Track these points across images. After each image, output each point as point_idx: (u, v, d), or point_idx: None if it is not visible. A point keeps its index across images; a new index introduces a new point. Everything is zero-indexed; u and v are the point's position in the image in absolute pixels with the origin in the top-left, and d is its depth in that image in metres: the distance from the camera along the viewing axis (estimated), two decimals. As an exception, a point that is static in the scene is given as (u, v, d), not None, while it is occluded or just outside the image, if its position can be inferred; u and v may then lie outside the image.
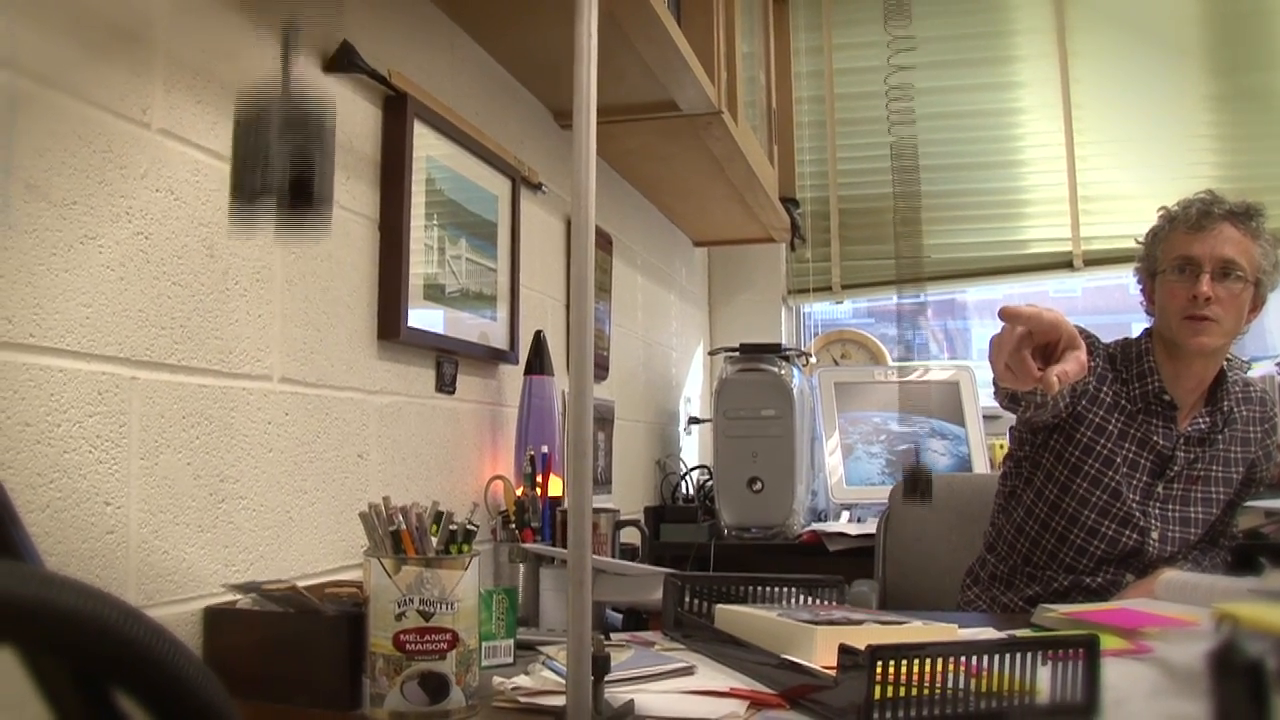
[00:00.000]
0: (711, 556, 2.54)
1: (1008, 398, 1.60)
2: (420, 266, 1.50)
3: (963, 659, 0.89)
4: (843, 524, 2.71)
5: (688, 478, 2.93)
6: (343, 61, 1.35)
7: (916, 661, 0.86)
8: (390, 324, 1.43)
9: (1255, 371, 2.82)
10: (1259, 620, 0.74)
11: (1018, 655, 0.91)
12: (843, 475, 2.95)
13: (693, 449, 3.15)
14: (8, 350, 0.86)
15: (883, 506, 2.36)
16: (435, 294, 1.55)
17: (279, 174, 0.80)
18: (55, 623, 0.48)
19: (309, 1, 1.18)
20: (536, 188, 1.95)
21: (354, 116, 1.39)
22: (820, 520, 2.87)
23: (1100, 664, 0.92)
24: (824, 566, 2.45)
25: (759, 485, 2.58)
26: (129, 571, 0.98)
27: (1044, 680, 0.91)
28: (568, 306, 2.11)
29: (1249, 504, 1.94)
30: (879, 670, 0.85)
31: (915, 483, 1.73)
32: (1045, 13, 3.31)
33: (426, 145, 1.53)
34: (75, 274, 0.93)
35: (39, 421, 0.89)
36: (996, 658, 0.90)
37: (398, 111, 1.46)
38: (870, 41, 3.33)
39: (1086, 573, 1.77)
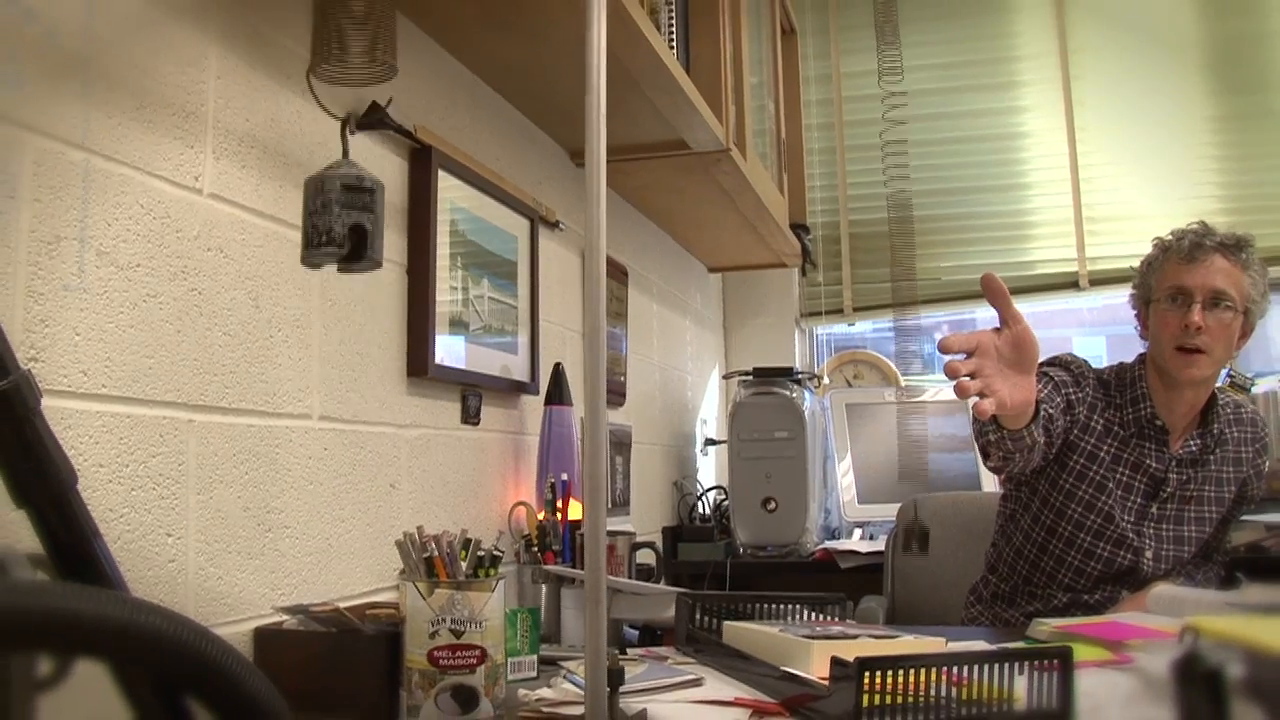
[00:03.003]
0: (727, 574, 2.62)
1: (1002, 458, 1.65)
2: (446, 307, 1.60)
3: (945, 669, 0.98)
4: (855, 541, 2.79)
5: (704, 498, 3.01)
6: (372, 119, 1.45)
7: (901, 672, 0.95)
8: (419, 362, 1.53)
9: (1259, 387, 2.88)
10: (1220, 631, 0.82)
11: (996, 666, 0.99)
12: (855, 494, 3.02)
13: (709, 469, 3.23)
14: (85, 400, 0.97)
15: (894, 524, 2.44)
16: (460, 332, 1.65)
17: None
18: (142, 641, 0.58)
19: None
20: (554, 225, 2.05)
21: (383, 170, 1.50)
22: (834, 538, 2.94)
23: (1074, 674, 1.00)
24: (836, 583, 2.52)
25: (773, 505, 2.66)
26: (188, 596, 1.08)
27: (1022, 689, 0.99)
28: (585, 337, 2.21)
29: (1250, 518, 2.00)
30: (867, 680, 0.94)
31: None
32: (1048, 36, 3.39)
33: (450, 193, 1.63)
34: (140, 329, 1.04)
35: (110, 463, 0.99)
36: (977, 668, 0.99)
37: (423, 163, 1.57)
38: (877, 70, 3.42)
39: (1085, 590, 1.84)
